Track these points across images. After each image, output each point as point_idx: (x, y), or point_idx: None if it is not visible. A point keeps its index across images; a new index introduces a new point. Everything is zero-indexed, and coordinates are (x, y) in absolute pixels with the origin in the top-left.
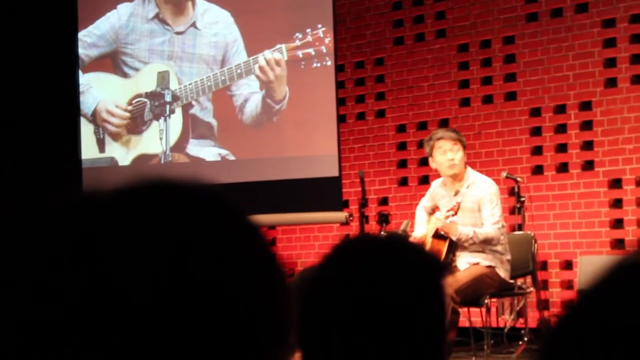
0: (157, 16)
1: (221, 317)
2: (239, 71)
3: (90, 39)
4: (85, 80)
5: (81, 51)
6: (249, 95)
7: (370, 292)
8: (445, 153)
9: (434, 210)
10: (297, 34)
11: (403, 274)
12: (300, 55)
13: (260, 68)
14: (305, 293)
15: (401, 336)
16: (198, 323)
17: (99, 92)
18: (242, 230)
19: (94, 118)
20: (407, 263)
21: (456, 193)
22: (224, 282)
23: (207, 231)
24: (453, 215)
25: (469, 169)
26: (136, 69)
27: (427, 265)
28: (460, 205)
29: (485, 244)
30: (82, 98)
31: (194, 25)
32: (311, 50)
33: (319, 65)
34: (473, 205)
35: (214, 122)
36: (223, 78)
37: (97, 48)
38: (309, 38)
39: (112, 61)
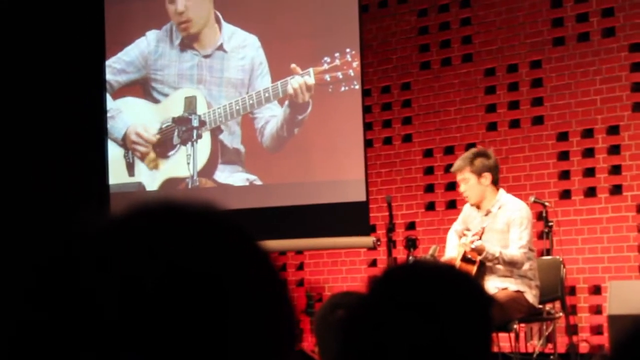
0: (184, 40)
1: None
2: (266, 95)
3: (120, 65)
4: (115, 105)
5: (110, 77)
6: (269, 118)
7: (418, 318)
8: (459, 184)
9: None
10: (325, 58)
11: (452, 301)
12: (328, 79)
13: (294, 90)
14: (352, 318)
15: None
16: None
17: (129, 116)
18: (245, 247)
19: (124, 142)
20: (456, 291)
21: (487, 213)
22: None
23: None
24: (478, 240)
25: (501, 190)
26: (166, 95)
27: (476, 294)
28: (484, 230)
29: (510, 266)
30: (112, 123)
31: (221, 48)
32: (339, 74)
33: (346, 89)
34: (503, 226)
35: (242, 149)
36: (251, 102)
37: (127, 74)
38: (337, 62)
39: (141, 87)
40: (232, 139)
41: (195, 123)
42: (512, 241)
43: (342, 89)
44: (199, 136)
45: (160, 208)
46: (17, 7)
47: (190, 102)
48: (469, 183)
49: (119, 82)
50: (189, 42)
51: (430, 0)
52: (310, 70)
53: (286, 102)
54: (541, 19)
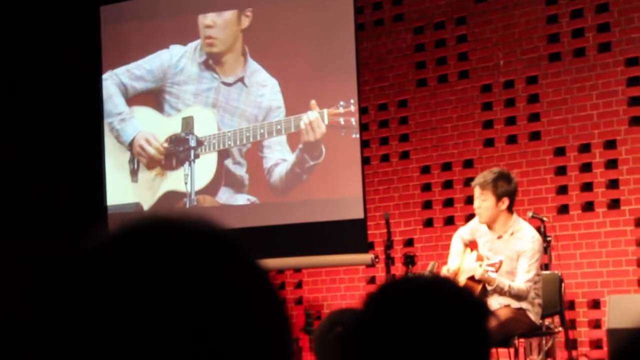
0: (207, 61)
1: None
2: (278, 127)
3: (139, 71)
4: (128, 109)
5: (128, 81)
6: (279, 161)
7: (415, 333)
8: (475, 199)
9: (470, 243)
10: (341, 102)
11: (448, 315)
12: (342, 122)
13: (306, 125)
14: (349, 334)
15: None
16: None
17: (139, 123)
18: (244, 273)
19: (131, 147)
20: (452, 305)
21: (499, 237)
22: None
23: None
24: (493, 272)
25: (514, 215)
26: (178, 110)
27: (472, 307)
28: (502, 263)
29: (515, 299)
30: (122, 125)
31: (242, 80)
32: (352, 120)
33: (358, 136)
34: (513, 254)
35: (246, 176)
36: (262, 131)
37: (145, 82)
38: (352, 108)
39: (155, 98)
40: (236, 167)
41: (192, 143)
42: (520, 272)
43: (354, 135)
44: (197, 156)
45: (154, 227)
46: (16, 28)
47: (188, 123)
48: (486, 203)
49: (135, 89)
50: (212, 63)
51: (426, 18)
52: (325, 111)
53: (301, 145)
54: (537, 35)
